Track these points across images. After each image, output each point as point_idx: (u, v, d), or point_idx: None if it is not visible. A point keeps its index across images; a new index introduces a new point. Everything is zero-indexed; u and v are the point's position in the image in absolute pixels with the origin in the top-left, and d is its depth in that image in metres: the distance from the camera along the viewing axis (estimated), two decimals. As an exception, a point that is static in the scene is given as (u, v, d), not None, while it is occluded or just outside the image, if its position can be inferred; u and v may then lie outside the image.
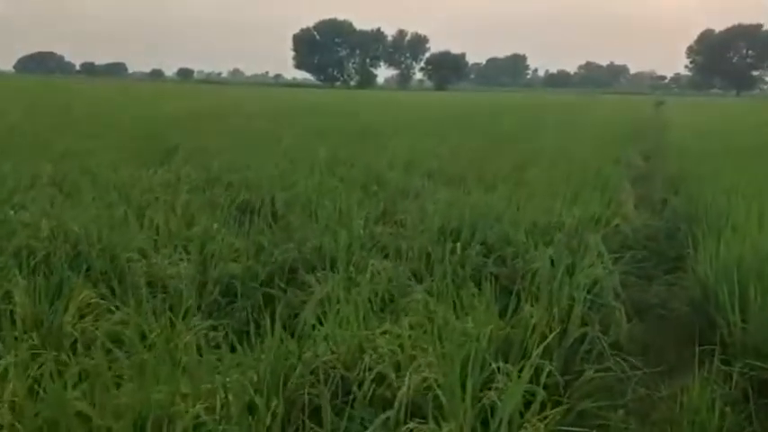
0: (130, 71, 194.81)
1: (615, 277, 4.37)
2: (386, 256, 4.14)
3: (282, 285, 3.60)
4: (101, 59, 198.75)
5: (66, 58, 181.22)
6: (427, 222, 4.86)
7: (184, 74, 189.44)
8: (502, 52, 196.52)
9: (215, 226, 4.41)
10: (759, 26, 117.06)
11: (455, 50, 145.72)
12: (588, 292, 3.99)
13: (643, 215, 7.73)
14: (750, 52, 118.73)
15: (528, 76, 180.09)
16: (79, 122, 12.65)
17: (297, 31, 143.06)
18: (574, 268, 4.33)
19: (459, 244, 4.28)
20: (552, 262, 4.32)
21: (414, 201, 6.00)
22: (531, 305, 3.53)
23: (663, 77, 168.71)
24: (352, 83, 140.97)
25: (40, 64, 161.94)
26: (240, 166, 7.25)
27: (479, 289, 3.60)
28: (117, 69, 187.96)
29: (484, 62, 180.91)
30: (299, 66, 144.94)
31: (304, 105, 24.76)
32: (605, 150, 11.42)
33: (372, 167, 7.90)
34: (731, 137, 15.33)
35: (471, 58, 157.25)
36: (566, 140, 12.55)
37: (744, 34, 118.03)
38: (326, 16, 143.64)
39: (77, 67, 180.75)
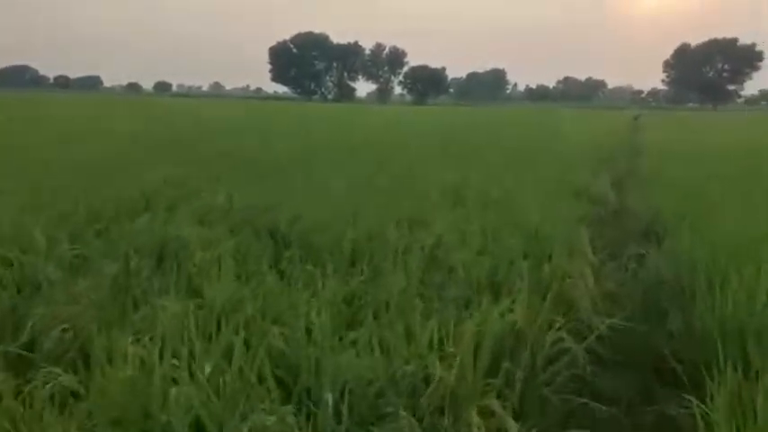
0: (108, 84, 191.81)
1: None
2: None
3: None
4: (76, 73, 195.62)
5: (41, 72, 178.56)
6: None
7: (162, 87, 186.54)
8: (482, 67, 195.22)
9: None
10: (734, 40, 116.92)
11: (434, 65, 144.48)
12: None
13: (605, 293, 5.03)
14: (726, 66, 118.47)
15: (508, 91, 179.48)
16: None
17: (273, 43, 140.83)
18: None
19: None
20: None
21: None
22: None
23: (640, 92, 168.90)
24: (330, 96, 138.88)
25: (14, 78, 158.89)
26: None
27: None
28: (92, 83, 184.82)
29: (464, 76, 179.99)
30: (275, 79, 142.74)
31: (238, 121, 21.82)
32: (564, 181, 8.72)
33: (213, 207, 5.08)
34: (715, 159, 12.80)
35: (451, 73, 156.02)
36: (516, 167, 9.81)
37: (719, 48, 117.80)
38: (303, 29, 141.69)
39: (51, 80, 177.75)
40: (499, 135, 17.81)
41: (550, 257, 4.88)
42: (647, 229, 7.50)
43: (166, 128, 17.50)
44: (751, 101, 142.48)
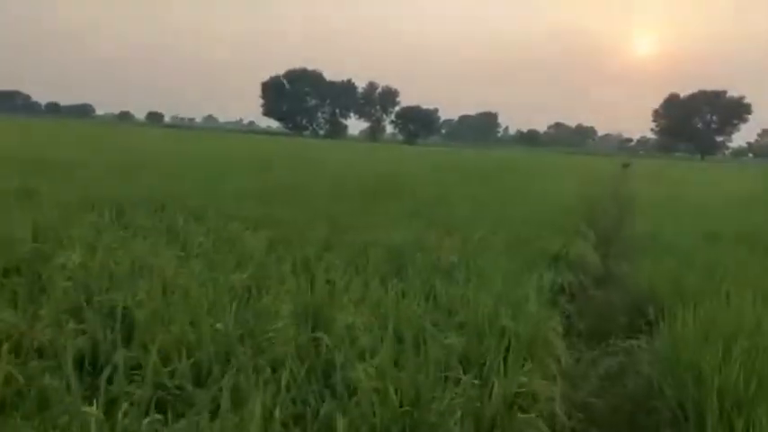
0: (101, 113, 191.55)
1: None
2: None
3: None
4: (70, 100, 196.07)
5: (33, 98, 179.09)
6: None
7: (154, 118, 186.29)
8: (474, 109, 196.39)
9: None
10: (723, 92, 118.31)
11: (428, 106, 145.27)
12: None
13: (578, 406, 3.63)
14: (714, 118, 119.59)
15: (499, 134, 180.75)
16: None
17: (266, 78, 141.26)
18: None
19: None
20: None
21: None
22: None
23: (629, 140, 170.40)
24: (322, 132, 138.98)
25: (5, 103, 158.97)
26: None
27: None
28: (83, 110, 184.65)
29: (456, 118, 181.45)
30: (267, 113, 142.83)
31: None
32: (541, 241, 7.35)
33: None
34: (712, 216, 11.59)
35: (444, 114, 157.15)
36: (486, 221, 8.44)
37: (708, 100, 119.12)
38: (297, 65, 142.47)
39: (43, 107, 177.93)
40: (476, 182, 16.50)
41: (505, 363, 3.48)
42: (638, 307, 6.14)
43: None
44: (738, 152, 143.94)
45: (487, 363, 3.39)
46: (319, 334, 3.28)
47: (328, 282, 4.60)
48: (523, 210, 10.08)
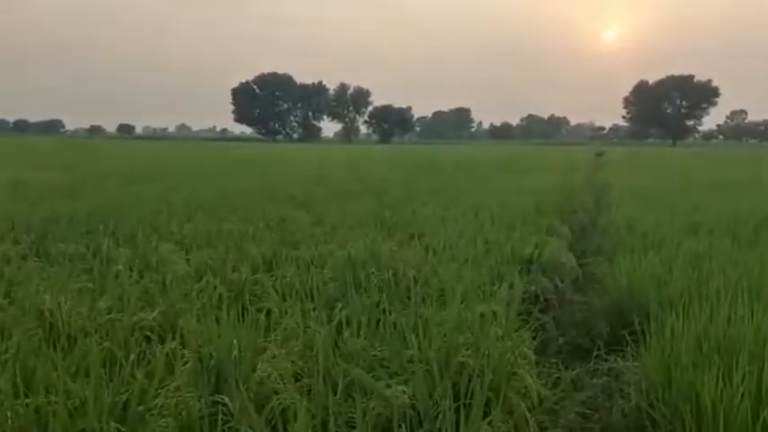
0: (71, 128, 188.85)
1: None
2: None
3: None
4: (39, 117, 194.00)
5: (0, 116, 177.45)
6: None
7: (125, 130, 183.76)
8: (447, 106, 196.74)
9: None
10: (691, 77, 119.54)
11: (401, 104, 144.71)
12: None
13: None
14: (684, 102, 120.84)
15: (473, 129, 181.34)
16: None
17: (236, 84, 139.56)
18: None
19: None
20: None
21: None
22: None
23: (602, 128, 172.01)
24: (295, 136, 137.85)
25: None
26: None
27: None
28: (52, 126, 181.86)
29: (430, 115, 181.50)
30: (239, 119, 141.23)
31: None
32: (510, 241, 6.70)
33: None
34: (693, 204, 11.13)
35: (417, 112, 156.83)
36: (449, 223, 7.77)
37: (677, 85, 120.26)
38: (266, 70, 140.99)
39: (11, 125, 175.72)
40: (442, 178, 15.87)
41: (466, 411, 2.80)
42: (621, 312, 5.52)
43: None
44: (708, 135, 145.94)
45: (440, 416, 2.71)
46: (220, 397, 2.56)
47: (260, 310, 3.92)
48: (493, 207, 9.43)
